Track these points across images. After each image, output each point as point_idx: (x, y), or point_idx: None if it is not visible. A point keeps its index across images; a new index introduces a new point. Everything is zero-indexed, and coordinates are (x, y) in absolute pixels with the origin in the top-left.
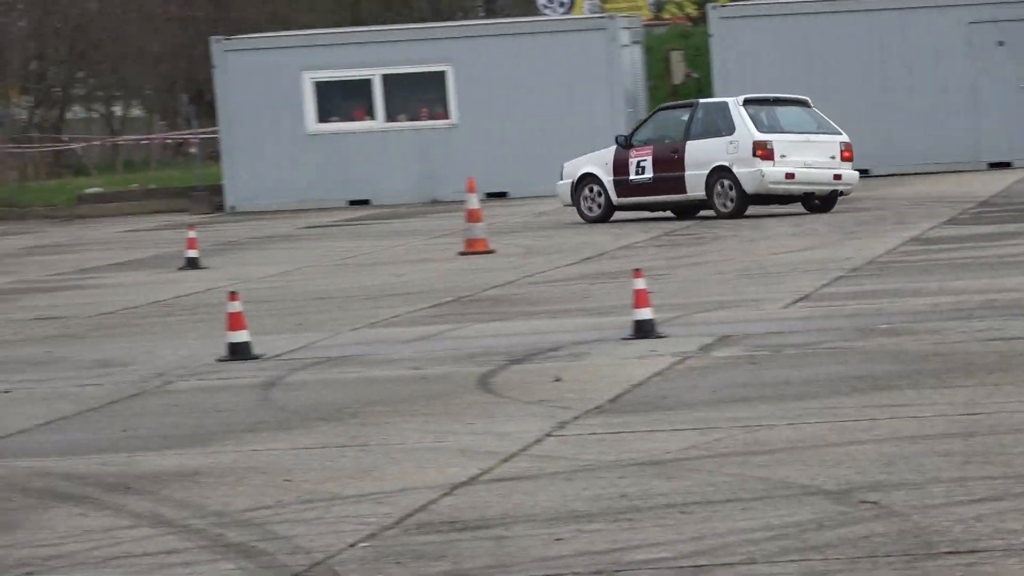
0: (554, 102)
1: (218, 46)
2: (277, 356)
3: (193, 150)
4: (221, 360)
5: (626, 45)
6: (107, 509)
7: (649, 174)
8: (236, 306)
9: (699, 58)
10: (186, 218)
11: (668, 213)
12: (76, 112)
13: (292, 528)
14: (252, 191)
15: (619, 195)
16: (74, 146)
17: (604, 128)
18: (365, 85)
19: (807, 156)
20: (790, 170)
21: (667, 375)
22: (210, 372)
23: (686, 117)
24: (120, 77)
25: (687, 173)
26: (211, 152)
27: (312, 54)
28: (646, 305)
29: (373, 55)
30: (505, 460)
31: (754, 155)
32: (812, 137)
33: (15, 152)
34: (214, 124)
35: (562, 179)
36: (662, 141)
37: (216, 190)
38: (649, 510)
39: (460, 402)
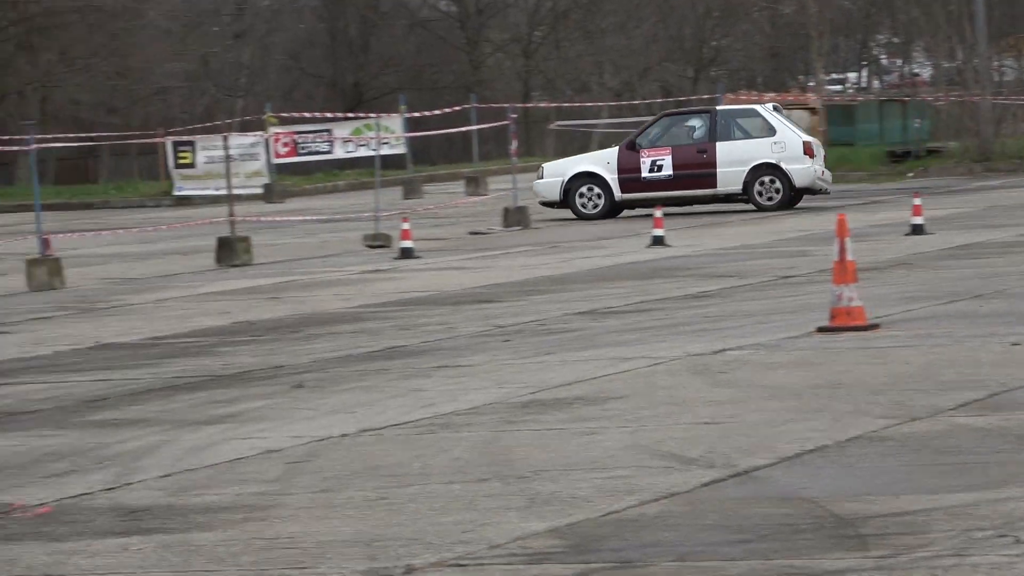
0: None
1: None
2: None
3: None
4: None
5: None
6: None
7: (668, 171)
8: None
9: None
10: None
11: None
12: None
13: None
14: None
15: (625, 191)
16: None
17: None
18: None
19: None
20: (821, 167)
21: None
22: None
23: (699, 122)
24: None
25: (719, 170)
26: None
27: None
28: None
29: None
30: None
31: (803, 153)
32: (813, 140)
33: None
34: None
35: (542, 179)
36: (678, 144)
37: None
38: None
39: None
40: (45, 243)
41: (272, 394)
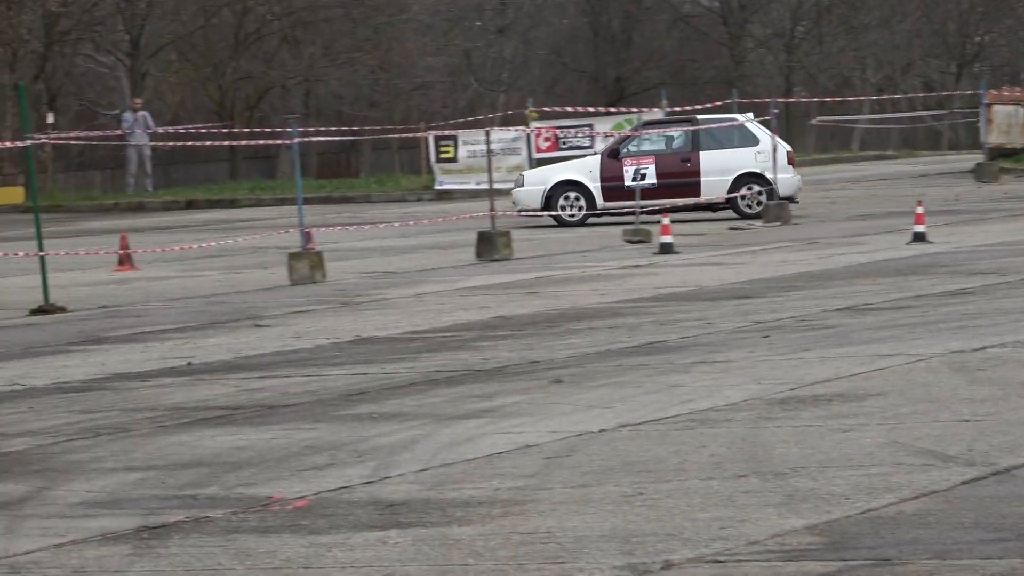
0: None
1: None
2: None
3: None
4: None
5: None
6: None
7: (652, 180)
8: None
9: None
10: None
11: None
12: None
13: None
14: None
15: (607, 199)
16: None
17: None
18: None
19: None
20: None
21: None
22: None
23: (679, 132)
24: None
25: (703, 179)
26: None
27: None
28: None
29: None
30: None
31: (787, 163)
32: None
33: None
34: None
35: (522, 187)
36: (660, 152)
37: None
38: None
39: None
40: (307, 237)
41: (529, 389)
